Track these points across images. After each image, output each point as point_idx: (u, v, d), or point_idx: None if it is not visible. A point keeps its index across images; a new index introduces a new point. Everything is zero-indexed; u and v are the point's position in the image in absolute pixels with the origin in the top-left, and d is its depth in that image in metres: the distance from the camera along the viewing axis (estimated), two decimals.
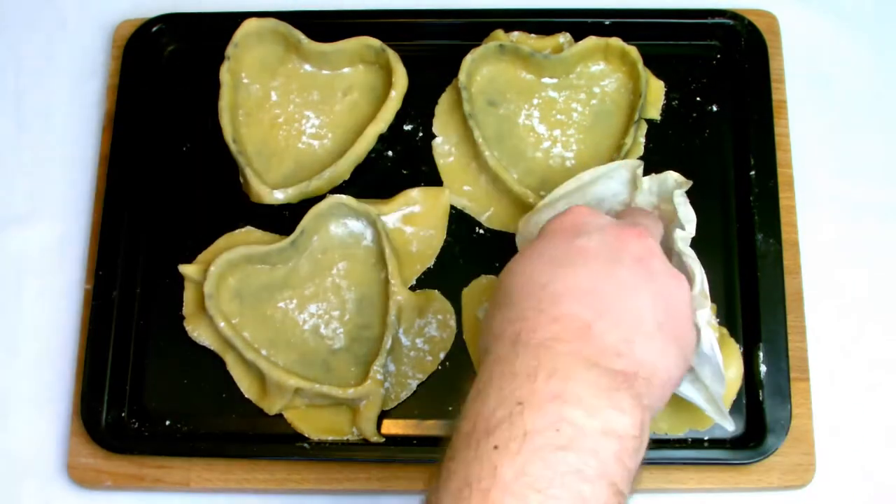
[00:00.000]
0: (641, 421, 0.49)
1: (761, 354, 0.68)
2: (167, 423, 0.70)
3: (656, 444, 0.67)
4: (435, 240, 0.73)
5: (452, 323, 0.70)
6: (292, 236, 0.70)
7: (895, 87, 0.78)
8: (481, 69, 0.75)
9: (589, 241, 0.54)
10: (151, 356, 0.71)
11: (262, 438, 0.69)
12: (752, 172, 0.72)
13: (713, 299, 0.65)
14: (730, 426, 0.62)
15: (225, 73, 0.73)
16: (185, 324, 0.71)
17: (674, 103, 0.75)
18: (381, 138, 0.74)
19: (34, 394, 0.72)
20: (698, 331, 0.61)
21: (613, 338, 0.50)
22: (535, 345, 0.50)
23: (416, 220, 0.72)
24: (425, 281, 0.72)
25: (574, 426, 0.47)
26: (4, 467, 0.71)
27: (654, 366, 0.51)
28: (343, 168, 0.72)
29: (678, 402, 0.65)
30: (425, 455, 0.67)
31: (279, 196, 0.71)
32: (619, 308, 0.52)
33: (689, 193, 0.65)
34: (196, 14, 0.78)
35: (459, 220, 0.73)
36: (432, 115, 0.75)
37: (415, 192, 0.73)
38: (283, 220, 0.72)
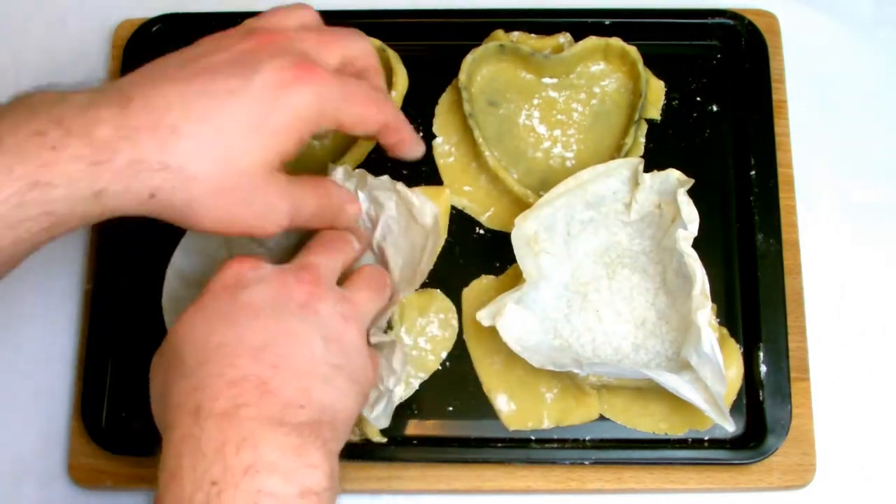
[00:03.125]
0: (331, 469, 0.50)
1: (761, 354, 0.68)
2: None
3: (656, 444, 0.67)
4: None
5: (454, 322, 0.70)
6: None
7: (895, 87, 0.78)
8: (481, 69, 0.75)
9: (252, 295, 0.54)
10: (151, 356, 0.71)
11: None
12: (752, 172, 0.72)
13: (713, 299, 0.65)
14: (730, 426, 0.62)
15: None
16: None
17: (674, 103, 0.75)
18: None
19: (34, 394, 0.72)
20: (698, 331, 0.61)
21: (292, 390, 0.51)
22: (219, 415, 0.49)
23: None
24: (425, 281, 0.72)
25: (272, 496, 0.47)
26: (4, 467, 0.71)
27: (335, 408, 0.52)
28: None
29: (678, 402, 0.65)
30: (425, 455, 0.67)
31: None
32: (293, 359, 0.52)
33: (689, 193, 0.65)
34: (196, 14, 0.78)
35: (459, 220, 0.73)
36: (432, 115, 0.75)
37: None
38: None
